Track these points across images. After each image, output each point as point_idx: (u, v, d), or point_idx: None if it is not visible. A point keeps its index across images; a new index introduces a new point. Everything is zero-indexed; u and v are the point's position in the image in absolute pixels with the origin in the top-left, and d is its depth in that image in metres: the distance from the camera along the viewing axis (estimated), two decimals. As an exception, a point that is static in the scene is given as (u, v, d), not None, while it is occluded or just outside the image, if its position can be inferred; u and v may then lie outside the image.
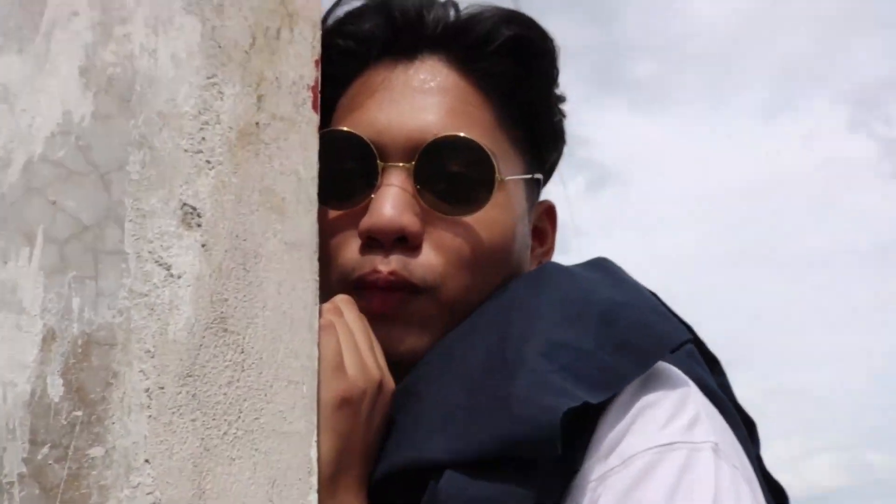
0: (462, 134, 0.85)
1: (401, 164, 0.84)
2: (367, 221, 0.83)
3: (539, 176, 0.95)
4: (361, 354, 0.74)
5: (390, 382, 0.77)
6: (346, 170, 0.86)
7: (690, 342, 0.82)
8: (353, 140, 0.86)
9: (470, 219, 0.85)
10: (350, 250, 0.85)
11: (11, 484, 0.54)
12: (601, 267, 0.86)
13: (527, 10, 0.91)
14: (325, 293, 0.85)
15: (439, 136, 0.85)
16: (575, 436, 0.70)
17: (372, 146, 0.85)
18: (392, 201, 0.82)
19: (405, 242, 0.83)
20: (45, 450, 0.55)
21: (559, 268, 0.85)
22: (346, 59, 0.92)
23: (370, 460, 0.74)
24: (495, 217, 0.86)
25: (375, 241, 0.83)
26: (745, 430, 0.82)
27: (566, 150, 0.99)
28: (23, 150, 0.60)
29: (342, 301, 0.79)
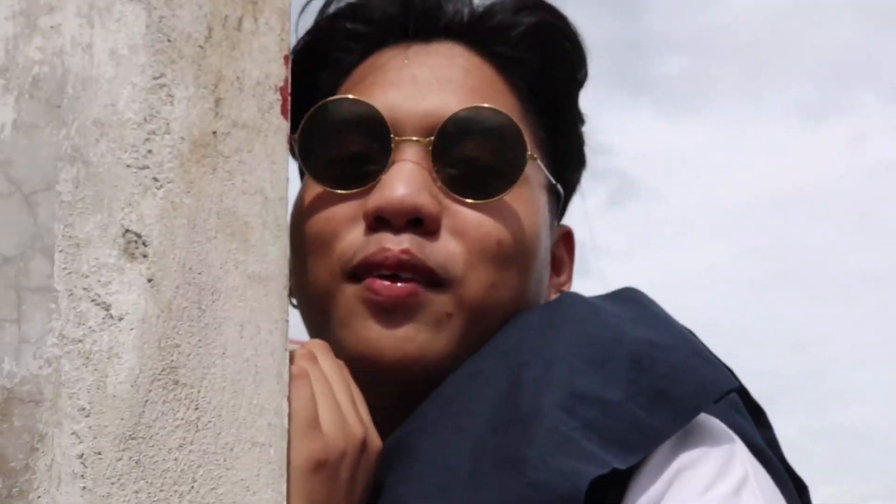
0: (488, 105, 0.83)
1: (416, 139, 0.81)
2: (375, 199, 0.79)
3: (560, 189, 0.93)
4: (341, 408, 0.70)
5: (376, 440, 0.73)
6: (351, 148, 0.84)
7: (735, 391, 0.77)
8: (361, 112, 0.82)
9: (494, 205, 0.82)
10: (352, 235, 0.81)
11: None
12: (630, 299, 0.82)
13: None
14: (316, 296, 0.83)
15: (462, 108, 0.82)
16: (600, 502, 0.67)
17: (384, 118, 0.81)
18: (406, 177, 0.79)
19: (420, 226, 0.79)
20: None
21: (580, 300, 0.82)
22: (353, 43, 0.90)
23: None
24: (521, 210, 0.83)
25: (384, 223, 0.79)
26: (795, 493, 0.79)
27: (586, 157, 0.97)
28: None
29: (316, 345, 0.76)
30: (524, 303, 0.84)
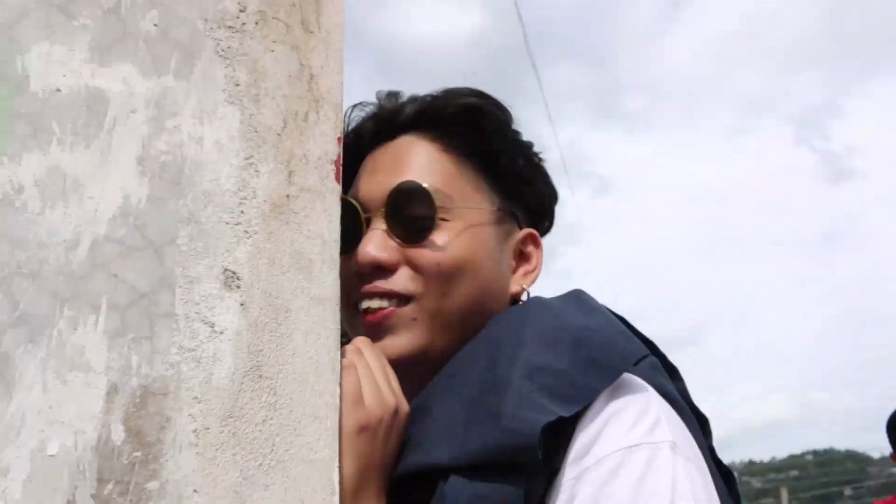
0: (409, 179, 0.88)
1: (379, 210, 0.88)
2: (353, 260, 0.85)
3: (505, 209, 0.93)
4: (379, 387, 0.73)
5: (405, 407, 0.75)
6: (348, 228, 0.88)
7: (650, 356, 0.80)
8: (348, 204, 0.87)
9: (428, 242, 0.86)
10: (350, 285, 0.86)
11: (82, 516, 0.53)
12: (576, 298, 0.85)
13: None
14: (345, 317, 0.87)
15: (395, 185, 0.88)
16: (556, 441, 0.69)
17: (358, 206, 0.88)
18: (369, 240, 0.86)
19: (384, 270, 0.85)
20: (110, 486, 0.54)
21: (540, 302, 0.84)
22: (356, 152, 0.95)
23: (389, 472, 0.72)
24: (453, 240, 0.86)
25: (363, 275, 0.85)
26: (699, 426, 0.81)
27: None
28: (89, 232, 0.59)
29: (362, 342, 0.78)
30: (479, 298, 0.86)
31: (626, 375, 0.74)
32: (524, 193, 0.96)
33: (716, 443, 0.83)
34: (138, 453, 0.55)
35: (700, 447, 0.75)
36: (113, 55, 0.64)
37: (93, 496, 0.53)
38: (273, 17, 0.73)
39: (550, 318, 0.78)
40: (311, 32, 0.74)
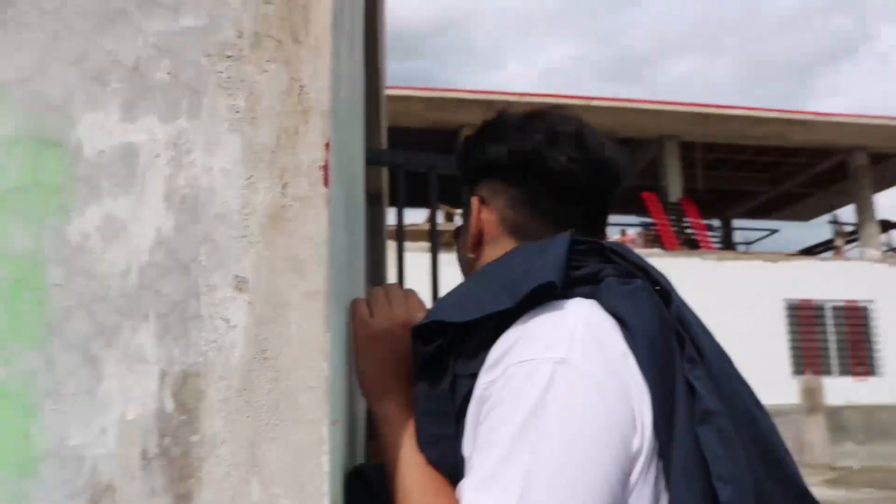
0: None
1: None
2: None
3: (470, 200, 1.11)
4: (389, 304, 0.96)
5: (417, 318, 0.96)
6: None
7: (633, 281, 0.88)
8: None
9: None
10: None
11: (153, 457, 0.79)
12: (544, 243, 0.94)
13: None
14: None
15: None
16: (483, 347, 0.86)
17: None
18: None
19: None
20: (167, 439, 0.78)
21: (516, 248, 0.97)
22: None
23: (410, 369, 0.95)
24: None
25: None
26: (674, 345, 0.86)
27: None
28: (136, 262, 0.80)
29: (389, 285, 0.99)
30: None
31: (557, 302, 0.86)
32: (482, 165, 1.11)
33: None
34: (184, 417, 0.78)
35: (649, 364, 0.81)
36: (139, 110, 0.81)
37: (157, 445, 0.79)
38: (266, 36, 0.82)
39: (502, 260, 0.93)
40: (300, 42, 0.82)
